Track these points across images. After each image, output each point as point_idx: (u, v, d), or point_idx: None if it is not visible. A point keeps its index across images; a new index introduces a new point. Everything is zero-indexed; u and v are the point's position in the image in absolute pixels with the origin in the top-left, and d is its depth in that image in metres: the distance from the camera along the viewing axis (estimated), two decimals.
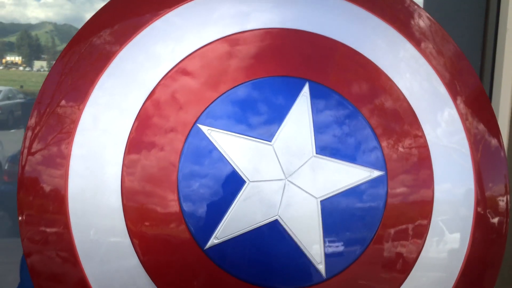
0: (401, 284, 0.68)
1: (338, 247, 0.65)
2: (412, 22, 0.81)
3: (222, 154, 0.63)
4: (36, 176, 0.62)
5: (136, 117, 0.61)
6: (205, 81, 0.63)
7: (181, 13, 0.69)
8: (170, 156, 0.60)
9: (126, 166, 0.60)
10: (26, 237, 0.61)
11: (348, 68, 0.73)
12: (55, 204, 0.60)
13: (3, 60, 3.68)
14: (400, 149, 0.73)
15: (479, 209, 0.78)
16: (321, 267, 0.64)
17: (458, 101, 0.78)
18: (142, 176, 0.60)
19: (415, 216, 0.75)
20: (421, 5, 2.33)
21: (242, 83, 0.67)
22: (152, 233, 0.59)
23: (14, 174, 5.46)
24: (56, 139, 0.63)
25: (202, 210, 0.60)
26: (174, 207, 0.58)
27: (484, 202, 0.78)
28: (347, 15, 0.76)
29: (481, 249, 0.77)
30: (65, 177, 0.61)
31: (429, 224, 0.74)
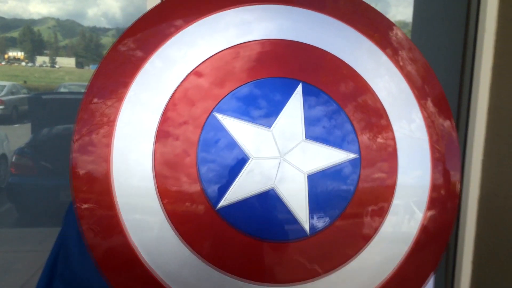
0: (363, 247, 0.81)
1: (320, 212, 0.79)
2: (387, 37, 0.93)
3: (232, 136, 0.77)
4: (84, 164, 0.75)
5: (165, 107, 0.75)
6: (217, 82, 0.78)
7: (196, 24, 0.84)
8: (192, 135, 0.75)
9: (158, 143, 0.74)
10: (84, 220, 0.73)
11: (333, 73, 0.86)
12: (103, 186, 0.73)
13: (6, 56, 3.61)
14: (372, 139, 0.85)
15: (433, 193, 0.90)
16: (306, 226, 0.77)
17: (422, 102, 0.91)
18: (171, 151, 0.74)
19: (381, 194, 0.86)
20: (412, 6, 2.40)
21: (247, 83, 0.81)
22: (177, 196, 0.74)
23: (21, 166, 5.52)
24: (100, 130, 0.76)
25: (215, 178, 0.75)
26: (193, 174, 0.73)
27: (438, 186, 0.90)
28: (334, 30, 0.90)
29: (432, 226, 0.89)
30: (108, 162, 0.74)
31: (391, 204, 0.86)
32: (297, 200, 0.79)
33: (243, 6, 0.87)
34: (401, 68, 0.93)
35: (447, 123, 0.95)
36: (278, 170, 0.79)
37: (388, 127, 0.87)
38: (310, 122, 0.82)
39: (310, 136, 0.81)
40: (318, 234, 0.79)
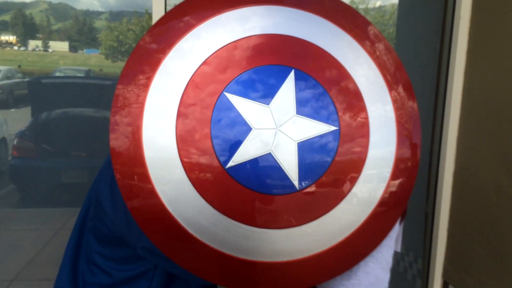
0: (338, 204, 1.01)
1: (306, 171, 0.98)
2: (365, 32, 1.11)
3: (238, 111, 0.96)
4: (121, 145, 0.95)
5: (185, 87, 0.95)
6: (224, 69, 0.97)
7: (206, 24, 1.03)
8: (207, 111, 0.94)
9: (180, 116, 0.94)
10: (124, 190, 0.95)
11: (319, 62, 1.04)
12: (136, 151, 0.94)
13: None
14: (350, 117, 1.04)
15: (399, 164, 1.08)
16: (296, 183, 0.97)
17: (393, 87, 1.09)
18: (190, 121, 0.94)
19: (354, 163, 1.04)
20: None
21: (249, 69, 1.01)
22: (195, 160, 0.94)
23: (23, 149, 5.64)
24: (133, 107, 0.96)
25: (225, 144, 0.94)
26: (208, 141, 0.93)
27: (404, 159, 1.08)
28: (319, 26, 1.09)
29: (395, 190, 1.07)
30: (140, 133, 0.95)
31: (361, 172, 1.04)
32: (289, 162, 0.98)
33: (245, 7, 1.06)
34: (376, 59, 1.12)
35: (414, 106, 1.13)
36: (274, 138, 0.98)
37: (363, 108, 1.06)
38: (300, 101, 0.99)
39: (300, 112, 1.00)
40: (304, 190, 0.98)
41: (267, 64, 1.01)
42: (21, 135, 5.42)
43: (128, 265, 1.21)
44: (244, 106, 0.97)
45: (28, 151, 5.40)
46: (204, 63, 0.98)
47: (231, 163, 0.95)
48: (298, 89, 1.00)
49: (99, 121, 5.13)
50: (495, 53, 1.99)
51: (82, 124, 5.15)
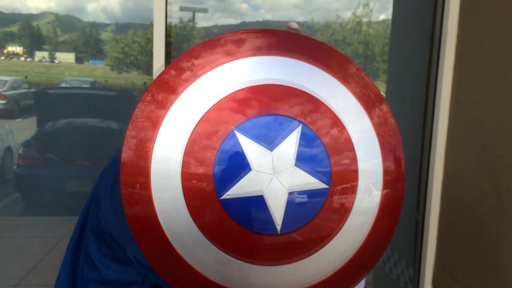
0: (318, 251, 1.11)
1: (291, 219, 1.07)
2: (344, 69, 1.19)
3: (243, 150, 1.05)
4: (131, 156, 1.05)
5: (198, 122, 1.05)
6: (240, 110, 1.06)
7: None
8: (215, 144, 1.03)
9: (189, 142, 1.03)
10: (125, 198, 1.04)
11: (325, 121, 1.12)
12: (142, 175, 1.04)
13: (5, 51, 3.58)
14: (341, 175, 1.13)
15: (386, 176, 1.16)
16: (279, 227, 1.05)
17: (368, 110, 1.17)
18: (197, 152, 1.03)
19: (339, 214, 1.14)
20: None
21: (262, 115, 1.09)
22: (194, 182, 1.02)
23: (28, 158, 5.72)
24: (145, 132, 1.06)
25: (224, 177, 1.03)
26: (209, 171, 1.01)
27: (390, 171, 1.16)
28: (324, 80, 1.16)
29: (387, 202, 1.14)
30: (150, 151, 1.04)
31: (343, 225, 1.14)
32: (277, 207, 1.05)
33: (257, 56, 1.14)
34: (358, 97, 1.18)
35: (394, 122, 1.22)
36: (269, 183, 1.05)
37: (355, 165, 1.11)
38: (300, 155, 1.06)
39: (298, 165, 1.08)
40: (284, 235, 1.04)
41: (279, 114, 1.10)
42: (26, 144, 5.51)
43: (122, 266, 1.29)
44: (250, 147, 1.06)
45: (33, 160, 5.49)
46: (221, 100, 1.07)
47: (225, 196, 1.03)
48: (301, 143, 1.07)
49: (103, 131, 5.22)
50: (478, 67, 2.08)
51: (87, 133, 5.24)
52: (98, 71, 3.67)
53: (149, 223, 1.03)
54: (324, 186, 1.07)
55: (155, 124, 1.04)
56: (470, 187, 2.10)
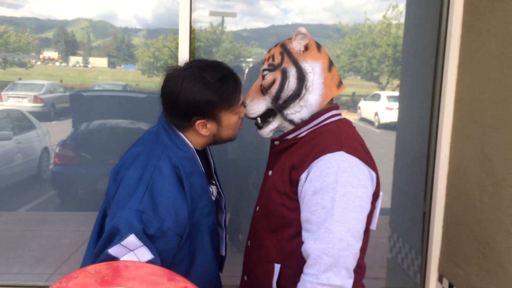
0: None
1: None
2: None
3: None
4: None
5: None
6: None
7: None
8: None
9: None
10: None
11: None
12: None
13: (41, 56, 3.73)
14: None
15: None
16: None
17: None
18: None
19: None
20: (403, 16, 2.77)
21: None
22: None
23: (64, 157, 6.02)
24: None
25: None
26: None
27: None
28: None
29: None
30: None
31: None
32: None
33: None
34: None
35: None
36: None
37: None
38: None
39: None
40: None
41: None
42: (62, 144, 5.80)
43: None
44: None
45: (68, 158, 5.78)
46: None
47: None
48: None
49: (134, 131, 5.46)
50: (479, 67, 2.22)
51: (119, 134, 5.47)
52: (130, 75, 3.89)
53: None
54: None
55: None
56: (471, 179, 2.24)
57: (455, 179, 2.41)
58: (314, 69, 1.39)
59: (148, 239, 1.31)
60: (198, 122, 1.43)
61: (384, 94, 3.28)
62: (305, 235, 1.30)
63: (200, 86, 1.39)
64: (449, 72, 2.42)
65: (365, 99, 3.27)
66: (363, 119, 3.40)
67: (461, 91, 2.37)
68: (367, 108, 3.35)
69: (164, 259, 1.35)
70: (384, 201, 3.03)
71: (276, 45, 1.47)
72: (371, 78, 3.14)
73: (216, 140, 1.53)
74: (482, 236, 2.13)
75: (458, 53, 2.40)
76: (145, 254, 1.30)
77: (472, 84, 2.27)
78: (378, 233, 3.19)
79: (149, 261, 1.30)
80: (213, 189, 1.62)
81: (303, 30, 1.40)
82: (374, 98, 3.29)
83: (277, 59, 1.42)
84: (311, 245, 1.26)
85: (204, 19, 3.03)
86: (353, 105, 3.34)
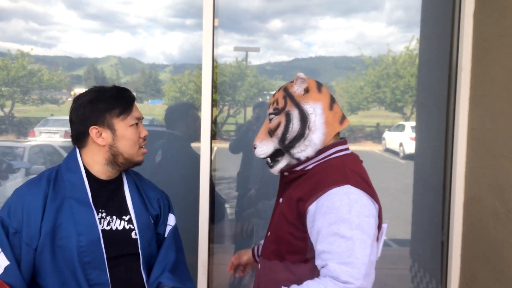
0: None
1: None
2: None
3: None
4: None
5: None
6: None
7: None
8: None
9: None
10: None
11: None
12: None
13: (72, 92, 3.89)
14: None
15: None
16: None
17: None
18: None
19: None
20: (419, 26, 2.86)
21: None
22: None
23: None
24: None
25: None
26: None
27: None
28: None
29: None
30: None
31: None
32: None
33: None
34: None
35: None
36: None
37: None
38: None
39: None
40: None
41: None
42: None
43: None
44: None
45: None
46: None
47: None
48: None
49: (158, 163, 5.60)
50: (489, 98, 2.30)
51: (144, 166, 5.65)
52: (157, 109, 4.03)
53: None
54: None
55: None
56: (486, 207, 2.28)
57: (471, 208, 2.45)
58: (315, 110, 1.49)
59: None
60: (93, 130, 1.55)
61: (408, 124, 3.34)
62: (323, 262, 1.35)
63: (95, 94, 1.58)
64: (461, 104, 2.49)
65: (389, 130, 3.34)
66: (388, 150, 3.46)
67: (473, 121, 2.43)
68: (391, 139, 3.42)
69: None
70: (405, 232, 3.05)
71: (279, 89, 1.58)
72: (395, 108, 3.21)
73: (115, 155, 1.59)
74: (498, 263, 2.16)
75: (469, 85, 2.48)
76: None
77: (484, 115, 2.34)
78: (400, 264, 3.21)
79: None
80: (119, 223, 1.61)
81: (302, 75, 1.50)
82: (399, 128, 3.36)
83: (281, 103, 1.53)
84: (336, 267, 1.30)
85: (228, 54, 3.13)
86: (377, 136, 3.41)
